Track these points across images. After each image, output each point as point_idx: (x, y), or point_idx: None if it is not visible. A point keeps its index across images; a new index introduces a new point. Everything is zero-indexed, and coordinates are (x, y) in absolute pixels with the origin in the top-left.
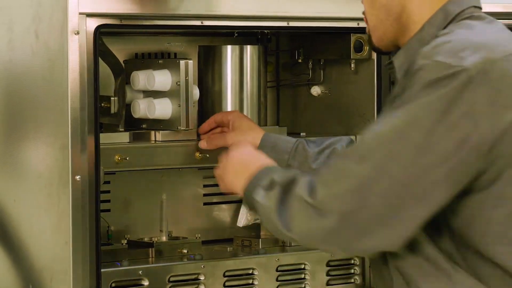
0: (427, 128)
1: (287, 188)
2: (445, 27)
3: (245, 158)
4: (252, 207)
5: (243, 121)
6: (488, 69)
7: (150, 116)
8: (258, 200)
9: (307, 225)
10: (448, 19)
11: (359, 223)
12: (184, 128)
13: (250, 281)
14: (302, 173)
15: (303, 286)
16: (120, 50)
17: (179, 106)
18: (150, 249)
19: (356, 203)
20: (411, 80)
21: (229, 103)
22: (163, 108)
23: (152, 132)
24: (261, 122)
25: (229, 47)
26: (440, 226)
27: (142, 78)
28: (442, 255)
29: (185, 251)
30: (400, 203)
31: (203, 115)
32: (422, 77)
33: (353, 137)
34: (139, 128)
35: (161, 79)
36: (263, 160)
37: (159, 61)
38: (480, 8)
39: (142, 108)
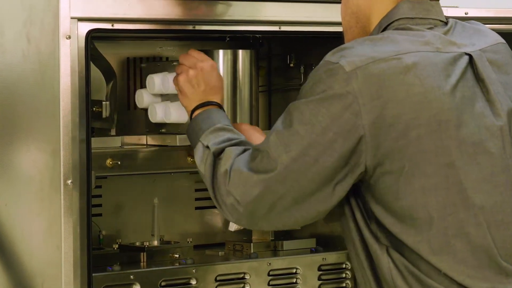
0: (311, 121)
1: (216, 161)
2: None
3: (211, 82)
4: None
5: (254, 132)
6: (362, 67)
7: (167, 121)
8: (196, 157)
9: (224, 201)
10: (380, 30)
11: (261, 212)
12: None
13: (242, 286)
14: (229, 150)
15: None
16: (112, 55)
17: None
18: (142, 253)
19: (261, 200)
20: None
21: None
22: (179, 113)
23: (144, 137)
24: (253, 123)
25: (221, 52)
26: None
27: (157, 82)
28: (372, 237)
29: (176, 255)
30: (295, 186)
31: None
32: (312, 71)
33: None
34: (159, 132)
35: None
36: (217, 94)
37: (174, 63)
38: (412, 18)
39: (159, 113)
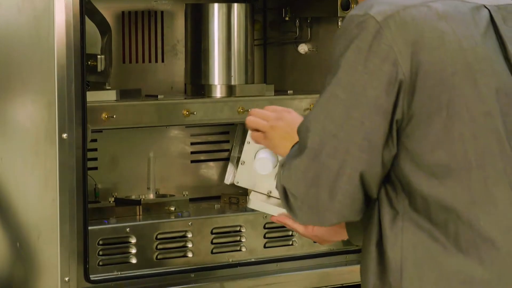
0: (350, 82)
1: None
2: None
3: (294, 123)
4: None
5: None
6: (393, 15)
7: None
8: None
9: (289, 205)
10: None
11: (323, 199)
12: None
13: (238, 238)
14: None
15: (290, 243)
16: (107, 9)
17: None
18: (138, 206)
19: (309, 182)
20: None
21: (216, 61)
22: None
23: (141, 90)
24: (248, 80)
25: (216, 5)
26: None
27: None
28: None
29: (172, 208)
30: (348, 159)
31: (191, 74)
32: (337, 32)
33: None
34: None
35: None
36: None
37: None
38: None
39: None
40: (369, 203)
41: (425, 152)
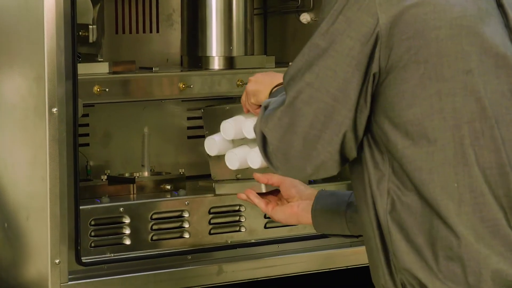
0: (328, 30)
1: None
2: None
3: (270, 73)
4: None
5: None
6: None
7: (254, 167)
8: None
9: (265, 151)
10: None
11: (296, 148)
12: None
13: (237, 218)
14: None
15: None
16: None
17: None
18: (132, 185)
19: (285, 134)
20: None
21: (214, 32)
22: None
23: (134, 62)
24: (248, 51)
25: None
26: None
27: (234, 127)
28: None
29: (168, 187)
30: (323, 107)
31: (187, 45)
32: None
33: None
34: (235, 178)
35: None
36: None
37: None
38: None
39: (241, 160)
40: (347, 160)
41: (401, 108)
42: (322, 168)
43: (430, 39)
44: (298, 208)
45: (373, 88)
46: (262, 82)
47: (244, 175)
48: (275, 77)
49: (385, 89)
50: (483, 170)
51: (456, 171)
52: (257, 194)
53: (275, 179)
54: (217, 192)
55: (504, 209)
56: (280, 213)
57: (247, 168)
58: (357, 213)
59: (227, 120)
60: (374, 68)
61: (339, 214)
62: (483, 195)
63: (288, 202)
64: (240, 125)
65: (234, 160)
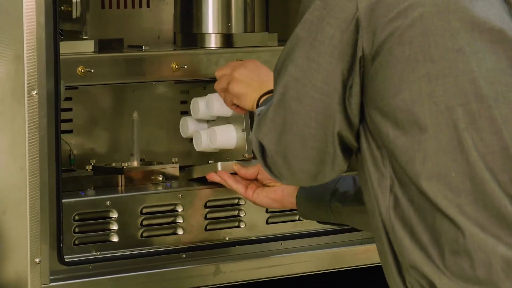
0: (308, 18)
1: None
2: None
3: (259, 71)
4: None
5: None
6: None
7: (213, 146)
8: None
9: (264, 160)
10: None
11: (294, 148)
12: (250, 157)
13: (236, 213)
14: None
15: (297, 218)
16: None
17: (243, 131)
18: (120, 176)
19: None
20: None
21: (211, 6)
22: (226, 137)
23: (123, 40)
24: (248, 27)
25: None
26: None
27: (202, 105)
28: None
29: (160, 178)
30: (312, 103)
31: (181, 21)
32: None
33: None
34: (207, 163)
35: (221, 103)
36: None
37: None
38: None
39: (204, 140)
40: (351, 152)
41: (389, 95)
42: (327, 167)
43: (414, 18)
44: (283, 193)
45: (361, 77)
46: (250, 85)
47: (218, 160)
48: (265, 80)
49: (372, 77)
50: (483, 155)
51: (453, 158)
52: (231, 175)
53: (253, 168)
54: (188, 178)
55: (510, 195)
56: (263, 197)
57: (221, 150)
58: (342, 204)
59: (195, 98)
60: (359, 55)
61: (324, 203)
62: (483, 182)
63: (270, 186)
64: (209, 101)
65: (198, 139)
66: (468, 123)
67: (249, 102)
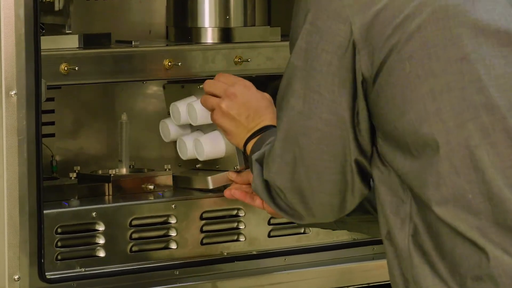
0: (301, 46)
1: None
2: None
3: (249, 103)
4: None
5: None
6: None
7: (201, 159)
8: (253, 173)
9: (280, 205)
10: None
11: (310, 184)
12: (242, 169)
13: (235, 225)
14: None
15: (301, 231)
16: None
17: None
18: (107, 184)
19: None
20: None
21: None
22: (214, 147)
23: (110, 35)
24: (248, 21)
25: None
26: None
27: (183, 112)
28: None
29: (151, 187)
30: (320, 136)
31: (174, 14)
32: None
33: None
34: (194, 168)
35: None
36: (265, 115)
37: (200, 86)
38: None
39: (190, 149)
40: (370, 177)
41: (395, 119)
42: (347, 196)
43: (412, 30)
44: None
45: (366, 102)
46: (237, 122)
47: (207, 166)
48: (253, 115)
49: (375, 101)
50: (501, 171)
51: (467, 180)
52: (246, 194)
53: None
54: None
55: None
56: None
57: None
58: (346, 214)
59: (175, 103)
60: (359, 80)
61: None
62: (503, 202)
63: None
64: (191, 110)
65: (183, 148)
66: (481, 139)
67: (236, 140)
